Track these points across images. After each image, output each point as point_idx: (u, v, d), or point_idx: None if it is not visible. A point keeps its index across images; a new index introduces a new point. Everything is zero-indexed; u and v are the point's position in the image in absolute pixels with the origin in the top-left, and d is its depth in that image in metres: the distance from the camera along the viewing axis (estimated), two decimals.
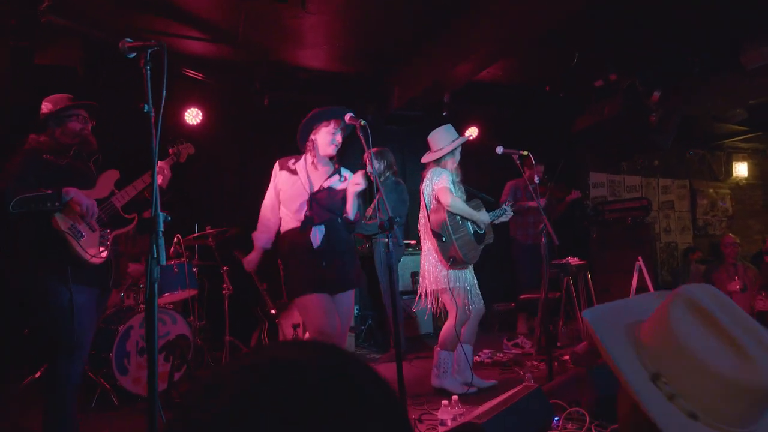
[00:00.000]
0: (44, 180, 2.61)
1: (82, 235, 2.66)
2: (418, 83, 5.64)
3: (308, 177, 3.10)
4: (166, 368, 3.97)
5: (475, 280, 3.75)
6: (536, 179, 3.89)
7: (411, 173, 6.65)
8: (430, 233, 3.58)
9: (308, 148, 3.12)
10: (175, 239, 4.38)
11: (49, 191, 2.52)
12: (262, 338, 4.90)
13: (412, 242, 6.11)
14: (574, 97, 6.55)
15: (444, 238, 3.48)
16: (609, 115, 5.92)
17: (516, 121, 6.87)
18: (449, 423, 2.80)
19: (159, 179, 2.94)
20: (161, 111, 1.88)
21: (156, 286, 1.91)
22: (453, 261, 3.50)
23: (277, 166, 3.18)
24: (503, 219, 3.90)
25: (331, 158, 3.15)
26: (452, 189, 3.53)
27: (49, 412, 2.60)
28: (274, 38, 4.91)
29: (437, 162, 3.69)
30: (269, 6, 4.23)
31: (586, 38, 5.05)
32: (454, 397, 2.97)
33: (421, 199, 3.70)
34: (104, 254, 2.73)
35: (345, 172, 3.19)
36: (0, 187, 2.46)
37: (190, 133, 5.28)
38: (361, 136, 2.81)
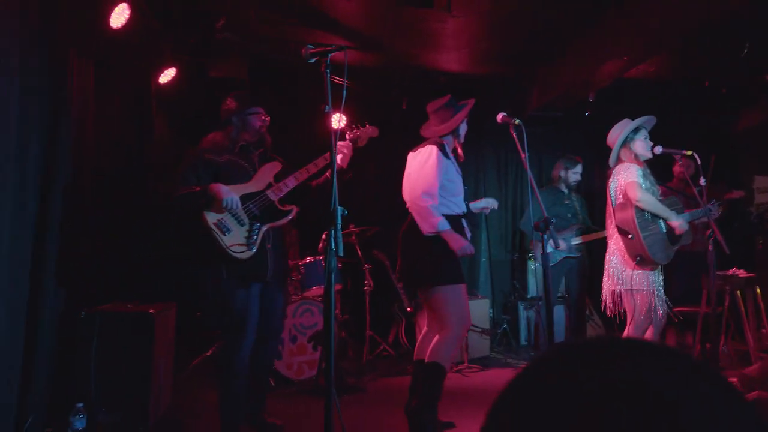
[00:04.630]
0: (203, 178, 2.75)
1: (230, 230, 2.71)
2: (559, 83, 5.44)
3: (455, 165, 3.17)
4: (315, 356, 4.24)
5: (662, 285, 3.43)
6: (702, 181, 3.54)
7: (548, 175, 6.43)
8: (616, 231, 3.37)
9: (453, 130, 3.21)
10: (323, 236, 4.66)
11: (197, 188, 2.68)
12: (399, 335, 5.04)
13: None
14: (737, 93, 5.89)
15: (631, 236, 3.25)
16: None
17: (666, 120, 6.33)
18: None
19: (338, 158, 2.99)
20: (341, 109, 2.04)
21: (333, 275, 2.05)
22: (641, 260, 3.25)
23: (439, 150, 3.04)
24: (704, 219, 3.55)
25: None
26: (642, 183, 3.27)
27: (222, 387, 2.84)
28: (416, 44, 5.02)
29: (620, 160, 3.47)
30: (415, 12, 4.35)
31: (759, 25, 4.51)
32: None
33: (607, 196, 3.50)
34: (252, 250, 2.74)
35: None
36: (171, 192, 2.72)
37: None
38: (515, 135, 2.77)
